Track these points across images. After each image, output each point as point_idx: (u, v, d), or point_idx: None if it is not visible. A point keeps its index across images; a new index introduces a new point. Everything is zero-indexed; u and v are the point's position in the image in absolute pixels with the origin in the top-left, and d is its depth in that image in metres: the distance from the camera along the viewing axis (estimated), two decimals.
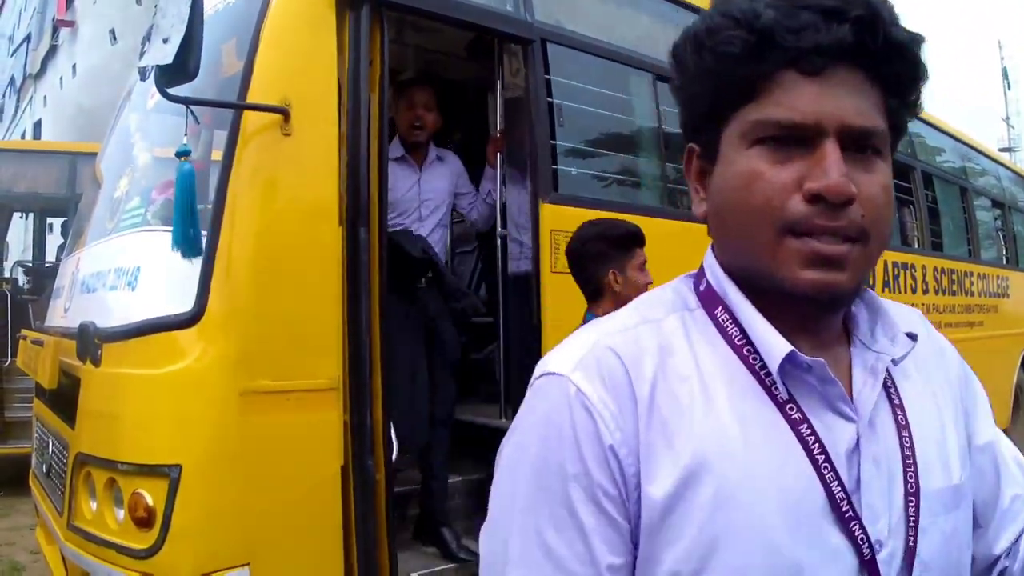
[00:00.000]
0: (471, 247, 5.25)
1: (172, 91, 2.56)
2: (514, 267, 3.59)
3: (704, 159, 0.94)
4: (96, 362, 2.86)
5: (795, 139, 0.84)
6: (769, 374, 0.88)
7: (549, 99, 3.55)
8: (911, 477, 0.90)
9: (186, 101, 2.63)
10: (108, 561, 2.72)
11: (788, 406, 0.87)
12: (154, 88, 2.63)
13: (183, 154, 2.61)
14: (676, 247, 3.98)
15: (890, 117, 0.88)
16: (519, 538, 0.86)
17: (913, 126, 6.65)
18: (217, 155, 2.95)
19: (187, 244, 2.60)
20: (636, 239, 2.96)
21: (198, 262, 2.66)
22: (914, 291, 6.08)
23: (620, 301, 2.88)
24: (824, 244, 0.83)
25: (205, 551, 2.59)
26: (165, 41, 2.48)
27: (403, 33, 4.35)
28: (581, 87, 3.76)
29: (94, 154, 4.62)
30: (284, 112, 2.77)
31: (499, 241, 3.68)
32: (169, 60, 2.46)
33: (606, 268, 2.89)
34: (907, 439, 0.92)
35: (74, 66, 26.34)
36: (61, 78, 27.76)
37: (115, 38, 23.11)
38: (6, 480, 7.24)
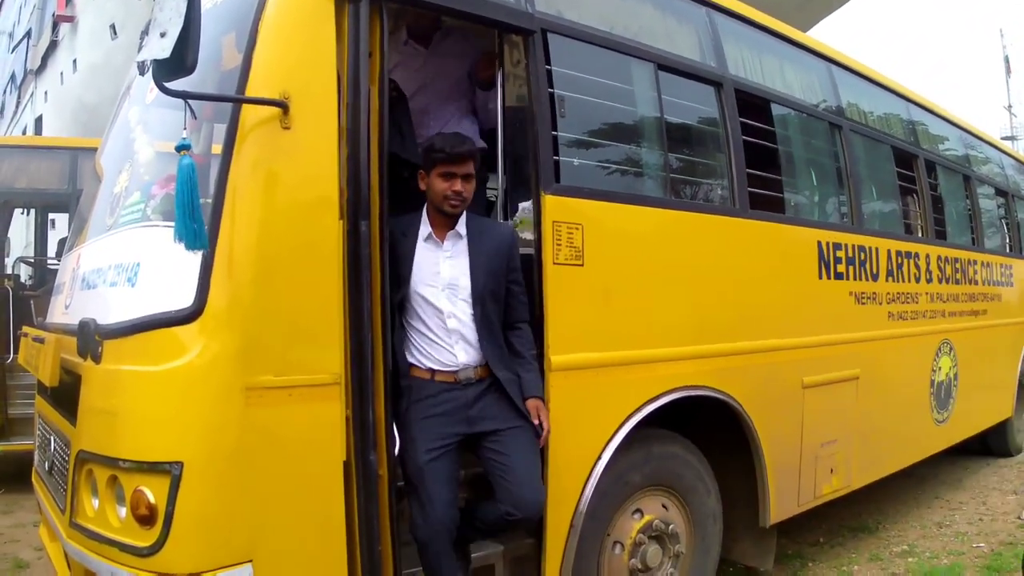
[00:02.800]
0: None
1: (170, 85, 2.54)
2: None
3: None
4: (97, 359, 2.86)
5: None
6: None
7: (550, 90, 3.53)
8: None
9: (184, 95, 2.62)
10: (110, 559, 2.71)
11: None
12: (153, 83, 2.61)
13: (183, 148, 2.59)
14: (679, 237, 3.99)
15: None
16: None
17: (916, 114, 6.66)
18: (217, 149, 2.93)
19: (190, 238, 2.58)
20: None
21: (199, 257, 2.64)
22: (917, 280, 6.05)
23: None
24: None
25: (207, 548, 2.58)
26: (163, 35, 2.46)
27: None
28: (582, 77, 3.73)
29: (95, 150, 4.60)
30: (283, 105, 2.76)
31: None
32: (167, 54, 2.44)
33: None
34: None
35: (74, 61, 26.36)
36: (62, 74, 27.78)
37: (115, 33, 23.14)
38: (9, 477, 7.24)
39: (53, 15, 28.42)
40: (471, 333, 3.25)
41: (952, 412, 6.66)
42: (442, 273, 3.25)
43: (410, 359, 3.26)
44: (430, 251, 3.27)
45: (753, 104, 4.67)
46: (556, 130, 3.53)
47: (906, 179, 6.22)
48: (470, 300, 3.25)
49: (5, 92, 40.01)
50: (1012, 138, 39.28)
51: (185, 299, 2.64)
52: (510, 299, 3.36)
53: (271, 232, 2.73)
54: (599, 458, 3.54)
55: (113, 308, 2.96)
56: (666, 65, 4.09)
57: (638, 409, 3.69)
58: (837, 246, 5.06)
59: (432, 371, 3.23)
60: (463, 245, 3.30)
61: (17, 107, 36.29)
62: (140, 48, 3.06)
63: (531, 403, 3.29)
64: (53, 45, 29.10)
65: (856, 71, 5.92)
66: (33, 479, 3.99)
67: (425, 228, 3.29)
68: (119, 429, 2.72)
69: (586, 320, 3.51)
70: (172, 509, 2.54)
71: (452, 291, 3.25)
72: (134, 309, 2.81)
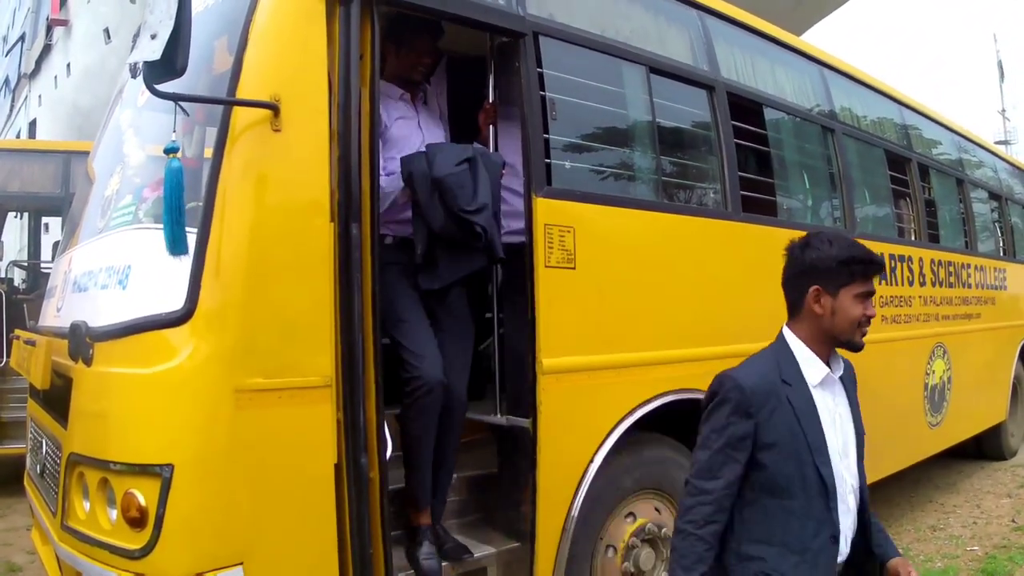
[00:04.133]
0: None
1: (161, 87, 2.54)
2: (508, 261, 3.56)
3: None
4: (88, 361, 2.85)
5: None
6: None
7: (542, 93, 3.53)
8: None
9: (175, 97, 2.62)
10: (101, 562, 2.71)
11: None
12: (144, 85, 2.61)
13: (171, 151, 2.59)
14: (672, 240, 3.99)
15: None
16: None
17: (909, 118, 6.67)
18: (209, 152, 2.93)
19: (175, 242, 2.58)
20: None
21: (188, 260, 2.64)
22: (911, 283, 6.06)
23: None
24: None
25: (198, 551, 2.57)
26: (153, 37, 2.47)
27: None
28: (574, 80, 3.73)
29: (88, 153, 4.60)
30: (274, 108, 2.75)
31: None
32: (157, 56, 2.45)
33: None
34: None
35: (68, 65, 26.35)
36: (56, 77, 27.77)
37: (109, 36, 23.13)
38: (2, 480, 7.22)
39: (47, 19, 28.41)
40: (852, 516, 2.37)
41: (946, 415, 6.67)
42: (837, 429, 2.35)
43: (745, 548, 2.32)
44: (825, 400, 2.35)
45: (745, 107, 4.67)
46: (548, 133, 3.53)
47: (899, 183, 6.23)
48: (857, 466, 2.40)
49: None
50: (1006, 142, 39.38)
51: (176, 301, 2.64)
52: None
53: (262, 234, 2.73)
54: (591, 461, 3.53)
55: (104, 311, 2.95)
56: (658, 68, 4.10)
57: (630, 412, 3.68)
58: None
59: None
60: (840, 387, 2.43)
61: (11, 111, 36.29)
62: (132, 51, 3.06)
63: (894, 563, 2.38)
64: (47, 49, 29.10)
65: (849, 75, 5.93)
66: (25, 482, 3.98)
67: (818, 368, 2.35)
68: (110, 431, 2.72)
69: (578, 323, 3.51)
70: (163, 511, 2.53)
71: (844, 456, 2.35)
72: (125, 312, 2.80)
